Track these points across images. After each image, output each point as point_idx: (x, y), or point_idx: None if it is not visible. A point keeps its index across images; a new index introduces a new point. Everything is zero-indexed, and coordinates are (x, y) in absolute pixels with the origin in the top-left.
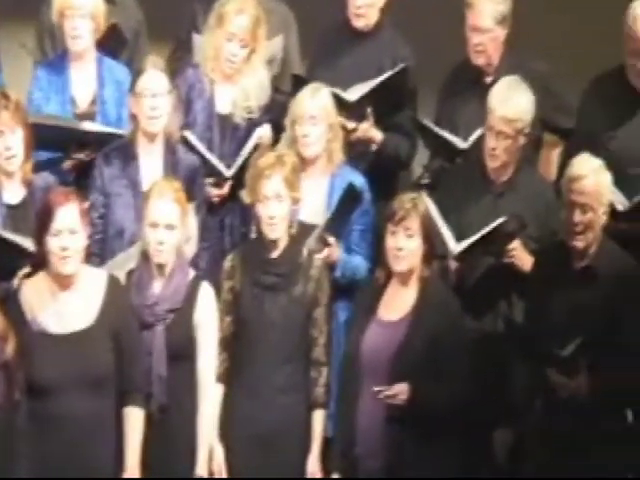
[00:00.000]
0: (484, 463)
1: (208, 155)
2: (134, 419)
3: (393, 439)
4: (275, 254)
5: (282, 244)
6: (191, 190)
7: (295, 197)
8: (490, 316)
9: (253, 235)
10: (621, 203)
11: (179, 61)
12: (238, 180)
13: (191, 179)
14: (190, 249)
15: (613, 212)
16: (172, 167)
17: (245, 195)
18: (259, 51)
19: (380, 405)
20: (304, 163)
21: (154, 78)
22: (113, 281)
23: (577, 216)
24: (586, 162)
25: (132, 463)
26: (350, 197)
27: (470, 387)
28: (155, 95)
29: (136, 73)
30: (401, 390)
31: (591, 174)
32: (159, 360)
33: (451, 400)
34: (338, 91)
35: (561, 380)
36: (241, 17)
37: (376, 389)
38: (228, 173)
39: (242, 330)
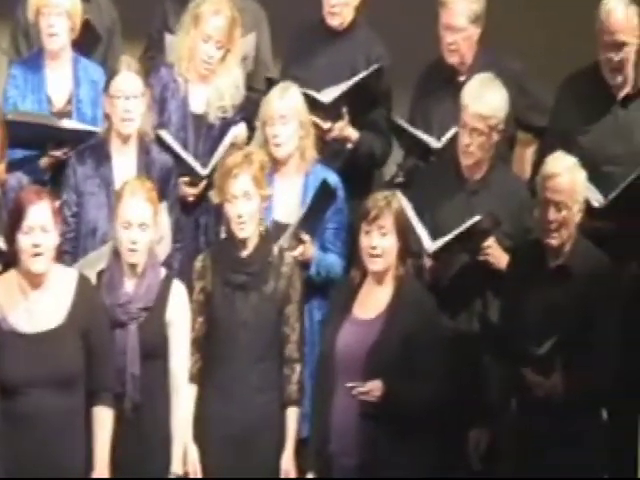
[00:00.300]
0: (459, 462)
1: (183, 154)
2: (103, 418)
3: (367, 437)
4: (245, 253)
5: (252, 243)
6: (164, 190)
7: (264, 195)
8: (465, 315)
9: (223, 235)
10: (597, 200)
11: (151, 60)
12: (211, 180)
13: (165, 179)
14: (164, 249)
15: (588, 209)
16: (146, 167)
17: (214, 195)
18: (234, 51)
19: (354, 403)
20: (277, 163)
21: (127, 80)
22: (83, 280)
23: (552, 214)
24: (561, 160)
25: (101, 462)
26: (324, 194)
27: (445, 386)
28: (128, 97)
29: (110, 74)
30: (375, 387)
31: (566, 172)
32: (132, 359)
33: (425, 398)
34: (313, 93)
35: (537, 379)
36: (217, 18)
37: (350, 385)
38: (204, 172)
39: (214, 330)
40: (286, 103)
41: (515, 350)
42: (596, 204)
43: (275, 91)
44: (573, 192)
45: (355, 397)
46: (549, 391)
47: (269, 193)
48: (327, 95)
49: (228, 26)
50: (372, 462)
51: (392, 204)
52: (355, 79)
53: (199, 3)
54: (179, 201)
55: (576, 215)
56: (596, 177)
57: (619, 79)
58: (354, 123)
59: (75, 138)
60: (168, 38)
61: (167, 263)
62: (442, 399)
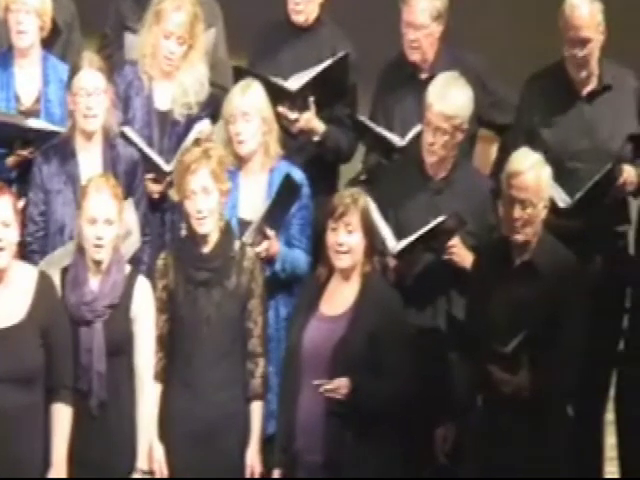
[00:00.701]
0: (426, 459)
1: (147, 150)
2: (62, 416)
3: (333, 434)
4: (206, 249)
5: (213, 239)
6: (131, 184)
7: (223, 190)
8: (430, 313)
9: (184, 232)
10: (562, 200)
11: (109, 59)
12: None
13: (131, 173)
14: (133, 243)
15: (554, 209)
16: (112, 161)
17: (173, 193)
18: (197, 47)
19: (320, 400)
20: (241, 161)
21: (89, 77)
22: (43, 278)
23: (517, 212)
24: (525, 157)
25: (58, 460)
26: (287, 189)
27: (411, 383)
28: (90, 94)
29: (72, 71)
30: (342, 384)
31: (530, 169)
32: (98, 357)
33: (391, 396)
34: (280, 81)
35: (503, 377)
36: (179, 14)
37: (316, 382)
38: (167, 168)
39: (178, 328)
40: (248, 100)
41: (482, 348)
42: (562, 204)
43: (237, 88)
44: (538, 189)
45: (321, 394)
46: (516, 388)
47: (228, 187)
48: (294, 83)
49: (189, 22)
50: (338, 459)
51: (359, 201)
52: (322, 66)
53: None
54: (146, 196)
55: (541, 212)
56: (561, 173)
57: (583, 75)
58: (320, 117)
59: (41, 138)
60: (129, 37)
61: (137, 257)
62: (408, 396)
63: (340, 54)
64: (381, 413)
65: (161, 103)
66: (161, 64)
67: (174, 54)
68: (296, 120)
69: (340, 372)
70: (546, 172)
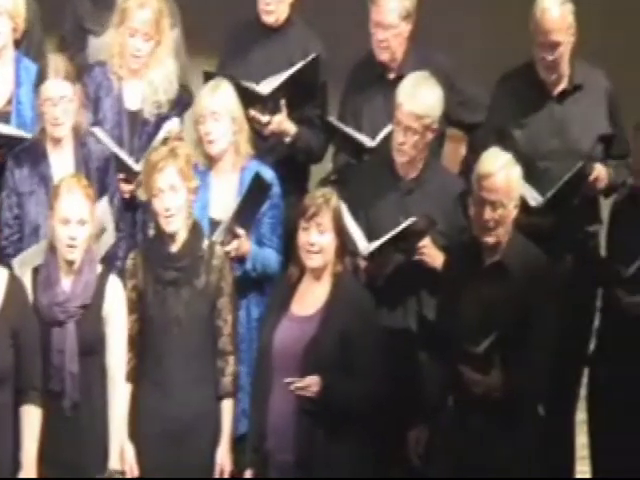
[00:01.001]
0: (398, 459)
1: (117, 150)
2: (31, 417)
3: (304, 434)
4: (175, 249)
5: (181, 237)
6: (104, 179)
7: (190, 187)
8: (401, 313)
9: (152, 231)
10: (533, 198)
11: (71, 61)
12: None
13: (104, 169)
14: (107, 240)
15: (525, 207)
16: (84, 160)
17: (141, 193)
18: (164, 42)
19: (291, 400)
20: (212, 160)
21: (55, 88)
22: (13, 280)
23: (488, 213)
24: (495, 158)
25: (28, 461)
26: (257, 187)
27: (382, 383)
28: (56, 105)
29: (39, 76)
30: (313, 382)
31: (500, 171)
32: (71, 357)
33: (362, 396)
34: (251, 85)
35: (475, 377)
36: (143, 11)
37: (287, 380)
38: (137, 167)
39: (148, 328)
40: (217, 100)
41: (453, 348)
42: (533, 203)
43: (206, 89)
44: (509, 190)
45: (292, 394)
46: (487, 389)
47: (196, 185)
48: (265, 87)
49: (154, 18)
50: (309, 459)
51: (331, 202)
52: (293, 69)
53: None
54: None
55: (512, 212)
56: (532, 173)
57: (554, 77)
58: (291, 118)
59: (11, 143)
60: (92, 40)
61: (112, 253)
62: (379, 396)
63: (311, 56)
64: (352, 412)
65: (131, 103)
66: (129, 63)
67: (140, 51)
68: (268, 123)
69: (311, 372)
70: (516, 172)
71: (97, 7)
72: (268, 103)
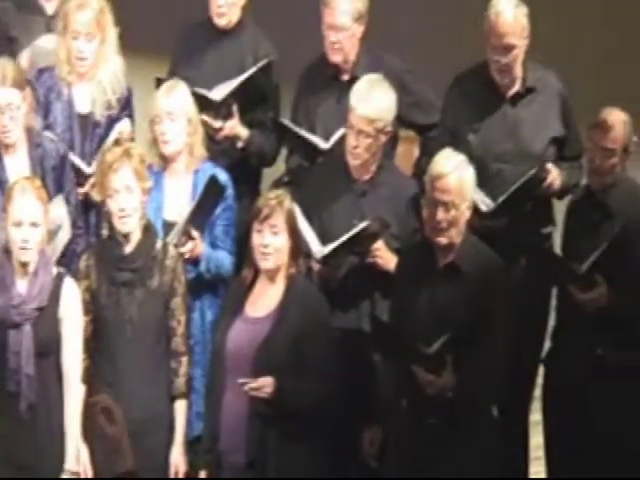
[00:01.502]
0: (352, 461)
1: (68, 154)
2: None
3: (256, 435)
4: (128, 249)
5: (135, 238)
6: (61, 177)
7: (145, 188)
8: (354, 315)
9: (105, 232)
10: (484, 203)
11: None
12: None
13: (60, 167)
14: (62, 238)
15: (477, 212)
16: (39, 159)
17: (95, 193)
18: (108, 40)
19: (243, 401)
20: (166, 161)
21: (2, 95)
22: None
23: (440, 214)
24: (448, 159)
25: None
26: (212, 190)
27: (335, 386)
28: (4, 113)
29: None
30: (266, 383)
31: (453, 172)
32: (27, 359)
33: (315, 397)
34: (204, 91)
35: (428, 378)
36: (83, 12)
37: (241, 381)
38: (89, 170)
39: (101, 328)
40: (173, 100)
41: (406, 349)
42: (484, 208)
43: (162, 89)
44: (461, 191)
45: (245, 395)
46: (440, 390)
47: (149, 186)
48: (218, 93)
49: (94, 17)
50: (261, 460)
51: (284, 203)
52: (245, 75)
53: (65, 1)
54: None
55: (465, 213)
56: (485, 175)
57: (507, 80)
58: (243, 121)
59: None
60: (25, 52)
61: (71, 250)
62: (332, 398)
63: (262, 61)
64: (305, 414)
65: (81, 106)
66: (76, 67)
67: (84, 53)
68: (220, 129)
69: (263, 373)
70: (469, 173)
71: (22, 14)
72: (221, 109)
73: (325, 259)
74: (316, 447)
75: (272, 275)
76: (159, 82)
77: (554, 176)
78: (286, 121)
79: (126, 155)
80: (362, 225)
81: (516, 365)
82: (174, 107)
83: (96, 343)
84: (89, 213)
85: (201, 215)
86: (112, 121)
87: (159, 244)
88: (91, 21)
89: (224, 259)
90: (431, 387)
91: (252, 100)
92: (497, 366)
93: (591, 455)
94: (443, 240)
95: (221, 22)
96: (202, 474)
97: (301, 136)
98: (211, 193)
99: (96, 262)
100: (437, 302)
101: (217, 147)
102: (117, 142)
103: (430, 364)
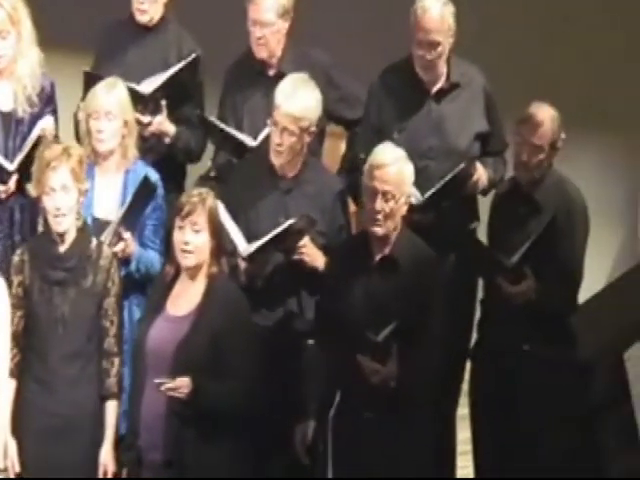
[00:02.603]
0: (281, 458)
1: None
2: None
3: (173, 433)
4: (63, 249)
5: (70, 237)
6: None
7: (82, 189)
8: (281, 313)
9: (40, 229)
10: (414, 196)
11: None
12: (26, 174)
13: None
14: None
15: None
16: None
17: (32, 188)
18: (24, 35)
19: (162, 399)
20: (98, 156)
21: None
22: None
23: (379, 204)
24: (390, 150)
25: None
26: (145, 190)
27: (258, 384)
28: None
29: None
30: (183, 384)
31: (395, 162)
32: None
33: (233, 397)
34: (132, 85)
35: (373, 366)
36: None
37: (157, 381)
38: (11, 167)
39: (33, 325)
40: (113, 99)
41: (352, 338)
42: (413, 200)
43: (102, 86)
44: (401, 183)
45: (163, 394)
46: (384, 378)
47: (87, 187)
48: (146, 87)
49: (7, 14)
50: (178, 459)
51: (207, 201)
52: (174, 69)
53: None
54: None
55: (402, 207)
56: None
57: (430, 77)
58: (169, 118)
59: None
60: None
61: None
62: (254, 397)
63: (192, 56)
64: (223, 413)
65: (3, 104)
66: None
67: (1, 50)
68: (149, 124)
69: (181, 372)
70: (409, 168)
71: None
72: (149, 104)
73: (251, 257)
74: (236, 446)
75: (193, 273)
76: (88, 76)
77: (480, 174)
78: (212, 118)
79: (65, 154)
80: (288, 222)
81: (445, 359)
82: (113, 107)
83: (27, 339)
84: (14, 212)
85: (133, 215)
86: (35, 117)
87: (94, 244)
88: (5, 17)
89: (154, 259)
90: (376, 376)
91: (178, 97)
92: (434, 358)
93: (518, 449)
94: (380, 231)
95: (143, 19)
96: (124, 471)
97: (228, 133)
98: (143, 193)
99: (30, 258)
100: (372, 295)
101: (143, 144)
102: (40, 139)
103: (376, 353)
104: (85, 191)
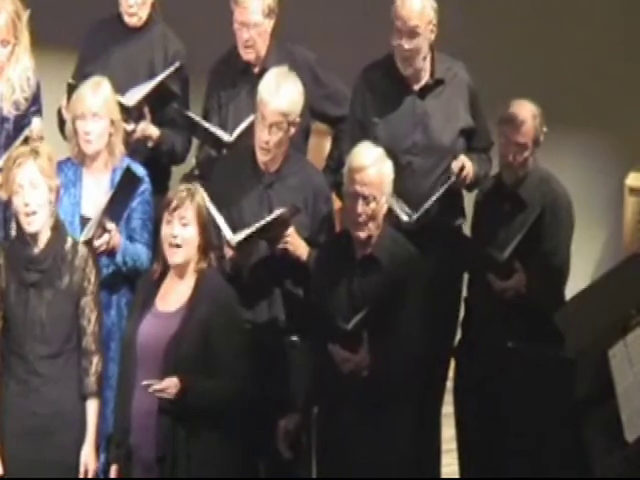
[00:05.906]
0: (263, 453)
1: None
2: None
3: (164, 431)
4: (37, 250)
5: (44, 238)
6: None
7: (52, 185)
8: (265, 304)
9: (13, 232)
10: (404, 212)
11: None
12: None
13: None
14: None
15: (398, 223)
16: None
17: (2, 191)
18: (22, 41)
19: (152, 397)
20: (85, 158)
21: None
22: None
23: (360, 207)
24: (367, 152)
25: None
26: (127, 180)
27: (246, 380)
28: None
29: None
30: (171, 384)
31: (373, 164)
32: None
33: (224, 394)
34: (117, 96)
35: (344, 355)
36: None
37: (145, 383)
38: None
39: (11, 326)
40: (99, 100)
41: (323, 327)
42: (405, 218)
43: (88, 87)
44: (381, 184)
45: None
46: (355, 366)
47: (58, 184)
48: (130, 99)
49: (10, 21)
50: (170, 456)
51: (195, 196)
52: (157, 79)
53: None
54: None
55: (384, 207)
56: (395, 168)
57: (409, 71)
58: (153, 120)
59: None
60: None
61: None
62: (244, 393)
63: (175, 65)
64: (214, 411)
65: None
66: None
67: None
68: (133, 131)
69: (171, 369)
70: (388, 167)
71: None
72: (133, 112)
73: (239, 245)
74: (227, 442)
75: (181, 269)
76: (72, 89)
77: (468, 167)
78: (191, 114)
79: (32, 152)
80: (276, 212)
81: (429, 357)
82: (99, 108)
83: (6, 340)
84: None
85: (117, 206)
86: (21, 118)
87: (69, 243)
88: (7, 25)
89: (141, 252)
90: (347, 364)
91: (162, 99)
92: (409, 347)
93: (503, 447)
94: (362, 234)
95: (132, 21)
96: (112, 468)
97: (206, 129)
98: (126, 184)
99: (5, 261)
100: (354, 294)
101: (127, 147)
102: (27, 140)
103: (346, 341)
104: (56, 188)
